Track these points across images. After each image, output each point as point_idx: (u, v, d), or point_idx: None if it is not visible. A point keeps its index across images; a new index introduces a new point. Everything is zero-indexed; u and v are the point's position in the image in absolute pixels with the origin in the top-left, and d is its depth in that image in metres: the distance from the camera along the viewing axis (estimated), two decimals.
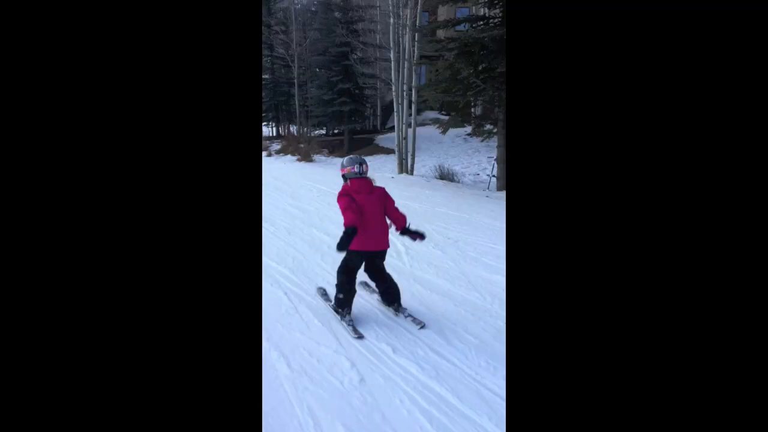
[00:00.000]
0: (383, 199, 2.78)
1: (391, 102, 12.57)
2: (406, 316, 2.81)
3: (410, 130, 10.49)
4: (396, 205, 2.85)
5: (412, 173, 10.27)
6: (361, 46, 14.55)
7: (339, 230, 2.56)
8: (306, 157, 13.80)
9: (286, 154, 14.92)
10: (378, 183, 2.83)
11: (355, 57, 14.19)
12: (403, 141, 10.39)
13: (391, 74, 10.60)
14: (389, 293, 2.88)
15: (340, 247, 2.46)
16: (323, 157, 14.07)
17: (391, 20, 10.15)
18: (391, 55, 10.39)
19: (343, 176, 2.77)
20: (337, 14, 14.89)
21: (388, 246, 2.81)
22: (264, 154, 15.04)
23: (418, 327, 2.69)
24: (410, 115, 10.62)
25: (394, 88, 10.62)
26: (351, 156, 3.07)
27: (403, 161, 10.43)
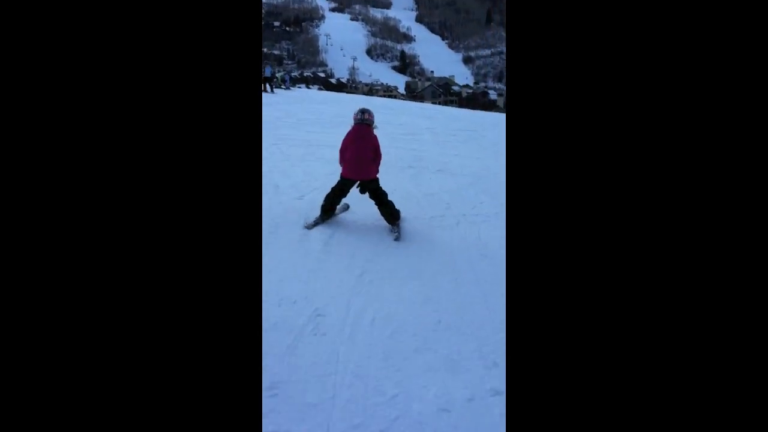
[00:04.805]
0: (372, 143, 3.65)
1: None
2: (393, 231, 3.64)
3: None
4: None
5: None
6: None
7: None
8: None
9: None
10: None
11: None
12: None
13: None
14: (383, 214, 3.70)
15: None
16: None
17: None
18: None
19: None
20: None
21: (368, 177, 3.63)
22: None
23: (393, 238, 3.55)
24: None
25: None
26: (361, 106, 3.81)
27: None
